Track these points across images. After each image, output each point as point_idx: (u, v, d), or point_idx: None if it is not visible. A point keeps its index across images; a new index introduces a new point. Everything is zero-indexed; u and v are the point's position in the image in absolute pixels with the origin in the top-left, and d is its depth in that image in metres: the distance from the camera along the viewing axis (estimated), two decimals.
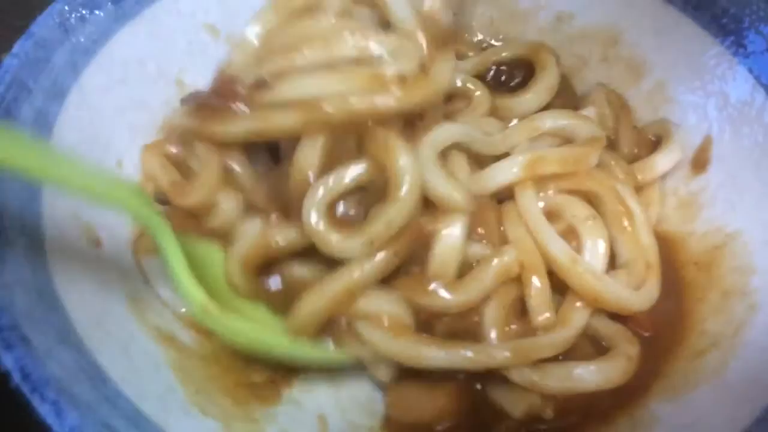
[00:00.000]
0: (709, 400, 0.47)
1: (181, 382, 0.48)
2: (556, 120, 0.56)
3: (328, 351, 0.51)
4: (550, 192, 0.54)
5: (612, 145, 0.61)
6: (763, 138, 0.55)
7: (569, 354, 0.50)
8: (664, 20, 0.61)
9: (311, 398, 0.53)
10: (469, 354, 0.48)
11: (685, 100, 0.61)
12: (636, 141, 0.62)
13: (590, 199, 0.54)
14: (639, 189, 0.58)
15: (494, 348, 0.48)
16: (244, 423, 0.49)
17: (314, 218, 0.48)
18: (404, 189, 0.48)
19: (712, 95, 0.59)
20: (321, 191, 0.48)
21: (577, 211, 0.53)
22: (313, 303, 0.49)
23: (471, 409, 0.50)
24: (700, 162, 0.59)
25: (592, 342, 0.51)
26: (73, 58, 0.54)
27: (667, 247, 0.57)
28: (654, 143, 0.62)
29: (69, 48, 0.54)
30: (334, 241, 0.48)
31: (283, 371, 0.54)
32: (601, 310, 0.51)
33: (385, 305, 0.49)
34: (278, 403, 0.52)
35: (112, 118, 0.56)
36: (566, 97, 0.64)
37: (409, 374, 0.51)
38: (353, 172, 0.49)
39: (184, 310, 0.53)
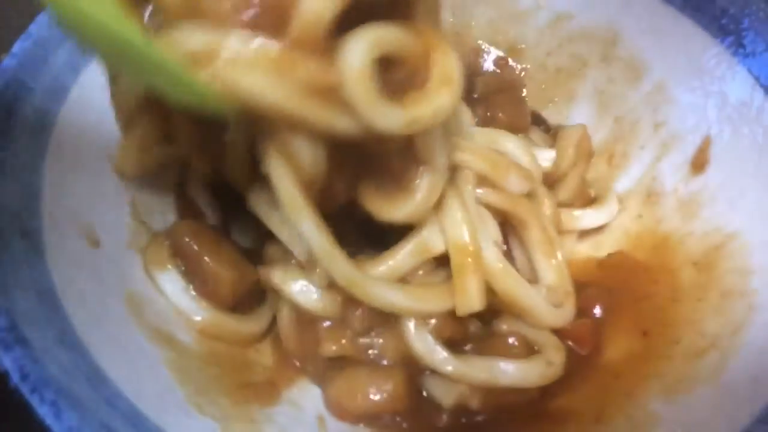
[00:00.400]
0: (708, 400, 0.47)
1: (180, 383, 0.48)
2: (515, 145, 0.58)
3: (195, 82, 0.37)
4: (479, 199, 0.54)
5: (554, 185, 0.63)
6: (762, 138, 0.55)
7: (501, 352, 0.52)
8: (664, 20, 0.61)
9: (310, 399, 0.53)
10: (341, 264, 0.47)
11: (684, 100, 0.61)
12: (577, 191, 0.64)
13: (513, 223, 0.55)
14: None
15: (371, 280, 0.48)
16: (243, 423, 0.49)
17: (362, 71, 0.38)
18: (454, 88, 0.42)
19: (711, 95, 0.59)
20: (370, 39, 0.38)
21: (489, 228, 0.53)
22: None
23: (413, 403, 0.52)
24: (699, 162, 0.59)
25: (527, 347, 0.53)
26: (73, 57, 0.54)
27: (667, 247, 0.58)
28: (591, 200, 0.65)
29: (68, 48, 0.54)
30: (380, 106, 0.39)
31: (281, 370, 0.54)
32: None
33: (305, 149, 0.42)
34: (277, 403, 0.52)
35: (112, 117, 0.56)
36: (514, 107, 0.67)
37: (350, 363, 0.52)
38: (401, 35, 0.40)
39: (198, 318, 0.53)
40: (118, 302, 0.49)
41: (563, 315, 0.54)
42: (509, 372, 0.51)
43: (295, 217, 0.44)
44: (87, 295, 0.47)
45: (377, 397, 0.51)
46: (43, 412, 0.38)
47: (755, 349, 0.48)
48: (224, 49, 0.37)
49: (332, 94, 0.39)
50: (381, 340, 0.52)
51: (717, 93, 0.58)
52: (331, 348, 0.52)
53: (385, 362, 0.52)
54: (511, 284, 0.51)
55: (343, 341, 0.52)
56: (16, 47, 0.51)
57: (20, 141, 0.49)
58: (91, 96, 0.54)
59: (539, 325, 0.53)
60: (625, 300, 0.57)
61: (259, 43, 0.37)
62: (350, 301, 0.50)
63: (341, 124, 0.40)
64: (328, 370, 0.53)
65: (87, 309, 0.46)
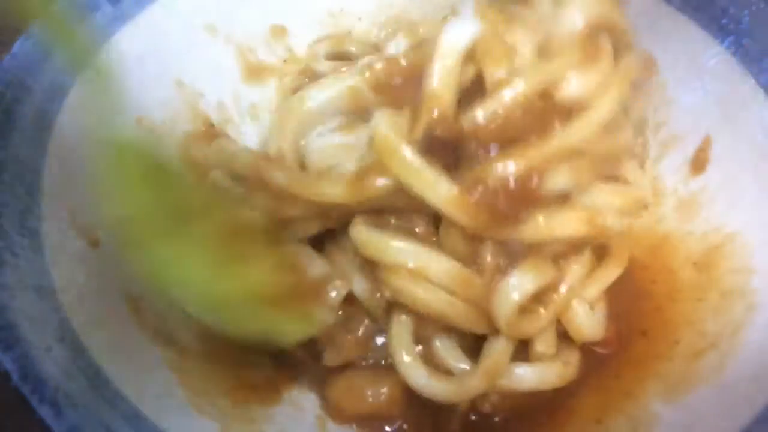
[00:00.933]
0: (708, 400, 0.47)
1: (180, 383, 0.48)
2: (613, 190, 0.55)
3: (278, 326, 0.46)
4: None
5: None
6: (762, 138, 0.55)
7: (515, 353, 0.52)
8: (664, 20, 0.61)
9: (310, 399, 0.53)
10: None
11: (684, 100, 0.61)
12: None
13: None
14: None
15: None
16: (243, 423, 0.49)
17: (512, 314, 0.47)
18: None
19: (711, 95, 0.59)
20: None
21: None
22: None
23: (417, 403, 0.51)
24: (699, 162, 0.59)
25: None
26: None
27: (666, 247, 0.58)
28: None
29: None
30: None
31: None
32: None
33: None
34: (277, 403, 0.52)
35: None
36: None
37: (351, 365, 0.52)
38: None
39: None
40: (118, 302, 0.49)
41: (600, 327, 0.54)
42: (528, 376, 0.51)
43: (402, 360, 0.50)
44: (87, 295, 0.47)
45: (374, 400, 0.51)
46: (43, 412, 0.38)
47: (755, 349, 0.48)
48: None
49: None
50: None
51: (717, 93, 0.58)
52: (334, 360, 0.52)
53: (384, 363, 0.52)
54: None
55: (345, 352, 0.52)
56: (16, 47, 0.51)
57: (20, 141, 0.49)
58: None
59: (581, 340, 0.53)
60: (624, 300, 0.57)
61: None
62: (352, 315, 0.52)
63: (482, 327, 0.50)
64: (328, 372, 0.53)
65: (86, 309, 0.46)
